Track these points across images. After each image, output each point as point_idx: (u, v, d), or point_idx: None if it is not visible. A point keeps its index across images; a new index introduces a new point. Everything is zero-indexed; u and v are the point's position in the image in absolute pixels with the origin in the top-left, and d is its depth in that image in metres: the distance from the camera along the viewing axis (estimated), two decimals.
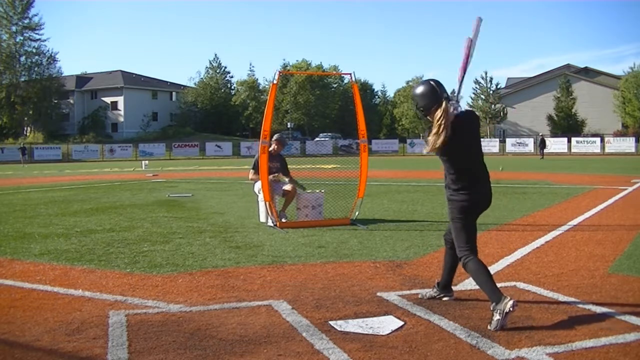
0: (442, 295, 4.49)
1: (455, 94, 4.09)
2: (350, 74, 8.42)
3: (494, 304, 3.79)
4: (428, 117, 4.06)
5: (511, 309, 3.70)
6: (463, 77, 4.17)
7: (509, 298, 3.76)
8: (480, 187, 4.08)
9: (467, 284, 4.82)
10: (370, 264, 5.79)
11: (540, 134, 46.44)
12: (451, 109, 3.92)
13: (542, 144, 41.05)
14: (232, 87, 78.45)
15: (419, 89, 4.08)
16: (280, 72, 8.59)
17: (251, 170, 8.96)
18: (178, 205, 11.59)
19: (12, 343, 3.66)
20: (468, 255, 4.02)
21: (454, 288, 4.78)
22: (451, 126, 3.88)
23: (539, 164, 29.42)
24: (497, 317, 3.75)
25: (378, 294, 4.68)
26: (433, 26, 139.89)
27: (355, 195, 8.67)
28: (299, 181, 8.93)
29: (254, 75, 78.78)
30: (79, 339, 3.69)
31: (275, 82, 8.29)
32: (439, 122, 3.87)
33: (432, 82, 4.06)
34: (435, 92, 3.98)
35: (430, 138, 3.92)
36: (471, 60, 4.18)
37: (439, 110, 3.90)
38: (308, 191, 8.92)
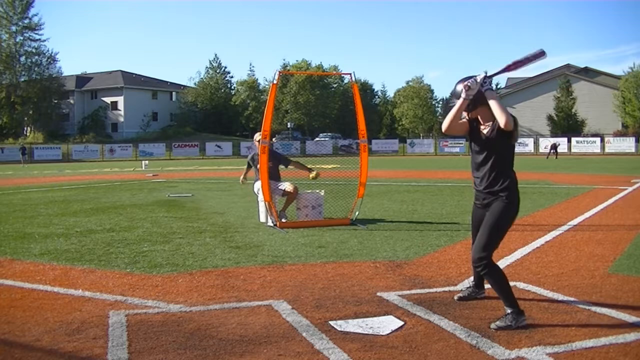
0: (477, 292, 4.49)
1: (488, 74, 3.94)
2: (350, 74, 8.42)
3: (511, 309, 3.81)
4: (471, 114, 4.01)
5: (523, 324, 3.79)
6: (503, 71, 3.97)
7: (525, 316, 3.85)
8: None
9: (467, 284, 4.82)
10: (370, 264, 5.79)
11: (554, 142, 46.49)
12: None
13: (554, 147, 41.28)
14: (232, 87, 78.44)
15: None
16: (280, 72, 8.59)
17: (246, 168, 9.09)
18: (178, 205, 11.59)
19: (12, 343, 3.66)
20: (490, 262, 3.95)
21: (454, 288, 4.79)
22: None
23: (539, 164, 29.41)
24: (508, 322, 3.77)
25: (378, 294, 4.68)
26: (433, 26, 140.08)
27: (355, 195, 8.66)
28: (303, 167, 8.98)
29: (254, 75, 78.99)
30: (79, 339, 3.70)
31: (275, 82, 8.28)
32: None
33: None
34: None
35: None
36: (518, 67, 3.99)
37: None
38: (308, 191, 8.92)
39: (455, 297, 4.48)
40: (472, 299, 4.45)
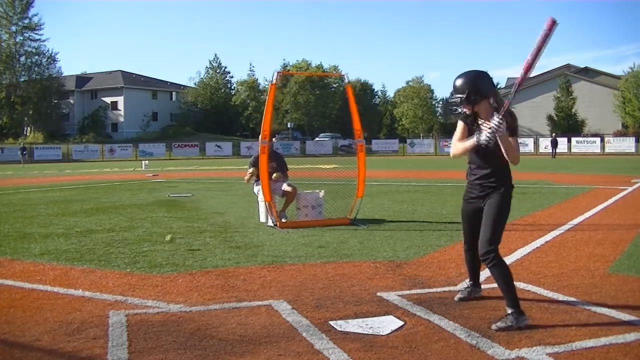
0: (475, 291, 4.50)
1: (510, 99, 3.81)
2: (344, 75, 8.47)
3: (512, 309, 3.80)
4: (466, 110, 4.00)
5: (524, 325, 3.76)
6: (524, 78, 3.86)
7: (526, 316, 3.84)
8: None
9: (465, 285, 4.81)
10: (370, 264, 5.79)
11: (554, 134, 46.62)
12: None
13: (554, 144, 41.27)
14: (232, 87, 78.46)
15: (472, 76, 3.97)
16: (279, 73, 8.61)
17: (249, 169, 8.89)
18: (178, 205, 11.59)
19: (12, 343, 3.66)
20: (498, 255, 3.91)
21: (454, 288, 4.79)
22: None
23: (539, 164, 29.41)
24: (509, 322, 3.75)
25: (378, 294, 4.68)
26: (433, 26, 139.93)
27: (354, 195, 8.67)
28: (294, 183, 8.91)
29: (254, 75, 78.94)
30: (79, 339, 3.70)
31: (274, 82, 8.30)
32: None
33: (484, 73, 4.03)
34: (488, 83, 3.99)
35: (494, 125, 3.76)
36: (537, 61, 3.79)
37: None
38: (308, 191, 8.92)
39: (456, 298, 4.48)
40: (471, 298, 4.44)
